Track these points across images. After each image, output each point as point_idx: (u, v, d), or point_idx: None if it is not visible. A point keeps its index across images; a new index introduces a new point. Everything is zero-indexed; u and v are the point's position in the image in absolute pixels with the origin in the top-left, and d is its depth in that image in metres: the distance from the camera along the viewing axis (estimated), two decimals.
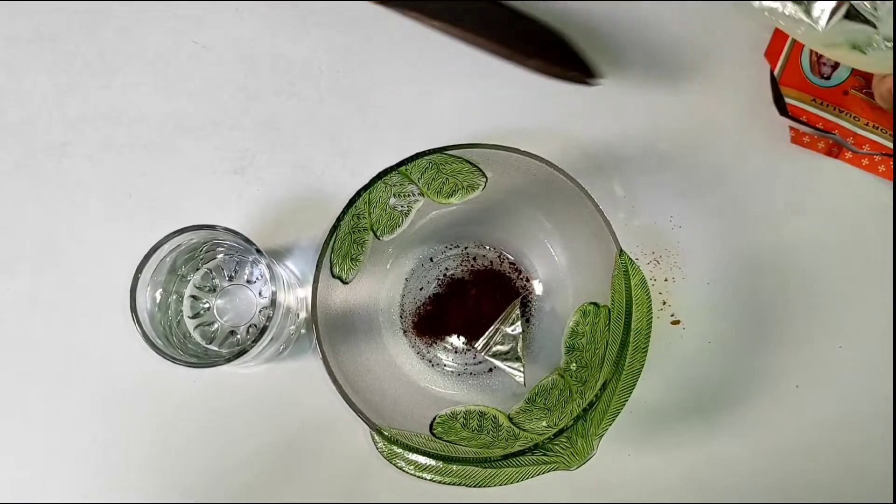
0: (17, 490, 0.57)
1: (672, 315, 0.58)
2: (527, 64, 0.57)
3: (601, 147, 0.59)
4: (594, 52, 0.58)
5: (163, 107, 0.61)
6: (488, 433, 0.52)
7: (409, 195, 0.54)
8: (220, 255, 0.55)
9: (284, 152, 0.60)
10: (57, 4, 0.62)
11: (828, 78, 0.58)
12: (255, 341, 0.50)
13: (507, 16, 0.58)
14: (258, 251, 0.51)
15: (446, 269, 0.58)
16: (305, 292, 0.57)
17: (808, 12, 0.50)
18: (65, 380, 0.58)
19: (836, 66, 0.58)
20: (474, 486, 0.49)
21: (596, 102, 0.60)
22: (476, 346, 0.56)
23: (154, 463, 0.57)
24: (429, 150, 0.51)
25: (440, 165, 0.52)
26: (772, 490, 0.56)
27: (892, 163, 0.58)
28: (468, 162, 0.52)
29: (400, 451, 0.50)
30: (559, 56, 0.57)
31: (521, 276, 0.57)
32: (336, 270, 0.53)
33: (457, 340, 0.57)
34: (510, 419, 0.53)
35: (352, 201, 0.51)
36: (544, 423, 0.51)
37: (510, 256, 0.58)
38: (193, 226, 0.50)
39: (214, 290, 0.56)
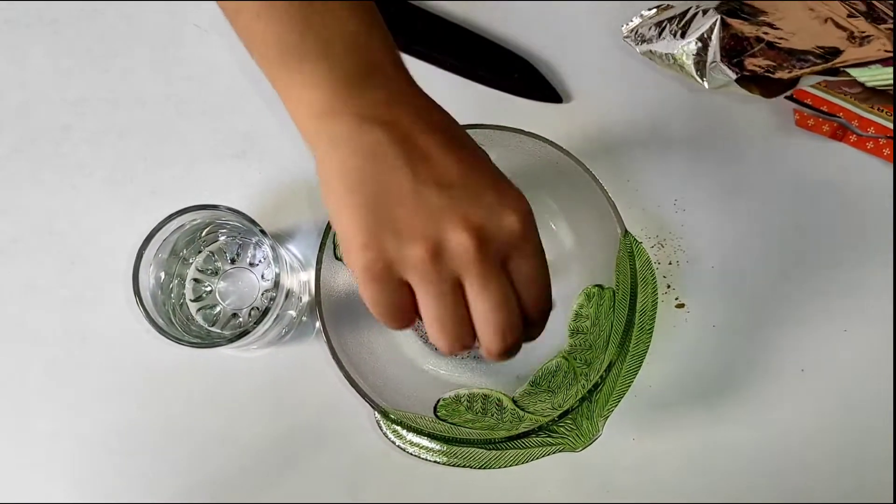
0: (19, 475, 0.57)
1: (676, 298, 0.58)
2: (498, 87, 0.60)
3: (605, 130, 0.59)
4: (597, 37, 0.58)
5: (163, 90, 0.61)
6: (492, 415, 0.52)
7: None
8: (223, 238, 0.55)
9: (286, 135, 0.60)
10: None
11: None
12: (258, 323, 0.49)
13: (479, 44, 0.60)
14: (262, 231, 0.50)
15: None
16: (308, 276, 0.57)
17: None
18: (65, 364, 0.58)
19: None
20: (479, 468, 0.49)
21: (600, 86, 0.60)
22: None
23: (155, 447, 0.57)
24: None
25: None
26: (776, 474, 0.56)
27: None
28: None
29: (404, 433, 0.50)
30: (526, 82, 0.59)
31: None
32: (339, 253, 0.52)
33: None
34: (514, 402, 0.53)
35: None
36: (549, 406, 0.51)
37: None
38: (196, 205, 0.50)
39: (217, 273, 0.55)
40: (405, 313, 0.37)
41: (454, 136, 0.37)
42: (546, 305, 0.38)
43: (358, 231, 0.34)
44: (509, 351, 0.37)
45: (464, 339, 0.36)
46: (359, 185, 0.34)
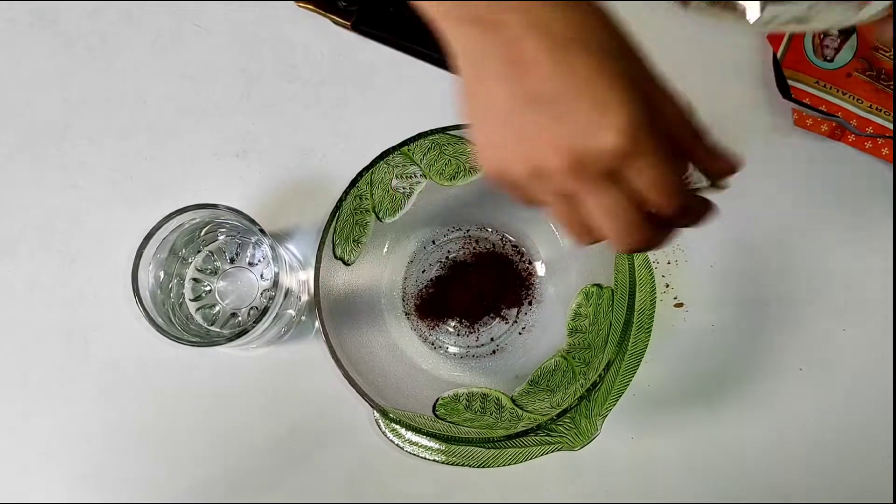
0: (19, 475, 0.57)
1: (675, 298, 0.58)
2: None
3: None
4: None
5: (164, 90, 0.61)
6: (491, 414, 0.52)
7: (411, 176, 0.54)
8: (222, 237, 0.55)
9: (286, 135, 0.60)
10: None
11: (831, 60, 0.58)
12: (257, 322, 0.49)
13: None
14: (261, 231, 0.50)
15: (448, 251, 0.58)
16: (307, 275, 0.57)
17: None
18: (65, 363, 0.58)
19: (839, 48, 0.58)
20: (477, 467, 0.49)
21: None
22: None
23: (155, 447, 0.57)
24: (431, 130, 0.51)
25: (443, 146, 0.52)
26: (775, 474, 0.56)
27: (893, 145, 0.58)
28: (471, 143, 0.52)
29: (403, 432, 0.50)
30: None
31: (523, 259, 0.57)
32: (338, 252, 0.52)
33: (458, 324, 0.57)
34: (513, 401, 0.53)
35: (354, 182, 0.51)
36: (547, 405, 0.51)
37: (512, 238, 0.58)
38: (196, 205, 0.50)
39: (216, 272, 0.55)
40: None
41: (571, 38, 0.33)
42: (680, 203, 0.36)
43: (476, 140, 0.36)
44: (638, 248, 0.37)
45: (585, 237, 0.38)
46: (470, 97, 0.35)
